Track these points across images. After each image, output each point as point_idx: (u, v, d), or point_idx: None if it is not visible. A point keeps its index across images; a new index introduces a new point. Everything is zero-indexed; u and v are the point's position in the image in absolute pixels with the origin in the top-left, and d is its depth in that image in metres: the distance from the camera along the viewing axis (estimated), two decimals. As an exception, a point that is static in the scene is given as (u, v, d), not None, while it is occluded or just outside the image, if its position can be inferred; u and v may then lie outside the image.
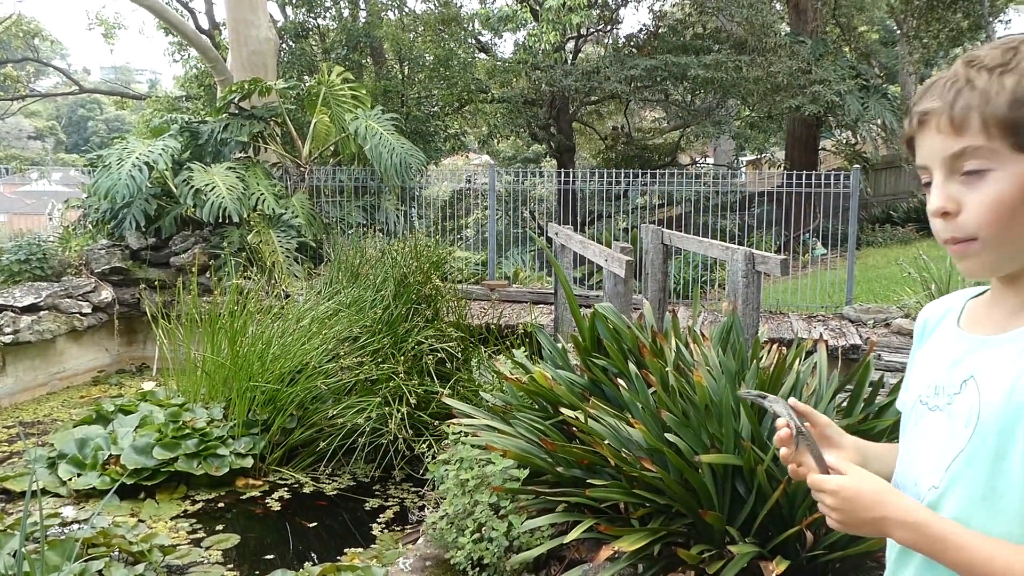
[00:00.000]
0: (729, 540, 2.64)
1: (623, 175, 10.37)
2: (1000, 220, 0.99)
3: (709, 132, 14.76)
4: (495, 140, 16.64)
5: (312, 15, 14.38)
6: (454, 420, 3.55)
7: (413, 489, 5.55)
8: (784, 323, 7.98)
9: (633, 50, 15.82)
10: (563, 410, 3.12)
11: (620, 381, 3.16)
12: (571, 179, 10.79)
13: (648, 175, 10.33)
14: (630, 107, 17.84)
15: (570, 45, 16.85)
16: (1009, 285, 1.05)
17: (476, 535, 3.00)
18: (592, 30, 16.55)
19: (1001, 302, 1.07)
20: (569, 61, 16.02)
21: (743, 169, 17.67)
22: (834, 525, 1.08)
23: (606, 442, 2.86)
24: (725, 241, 8.31)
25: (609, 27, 16.77)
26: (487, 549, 2.95)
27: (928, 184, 1.05)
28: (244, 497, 5.54)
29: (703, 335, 3.36)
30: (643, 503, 2.76)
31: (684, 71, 13.16)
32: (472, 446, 3.23)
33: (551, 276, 8.71)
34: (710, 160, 20.92)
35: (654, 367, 2.97)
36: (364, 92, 10.14)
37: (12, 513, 5.06)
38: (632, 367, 3.12)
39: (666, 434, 2.77)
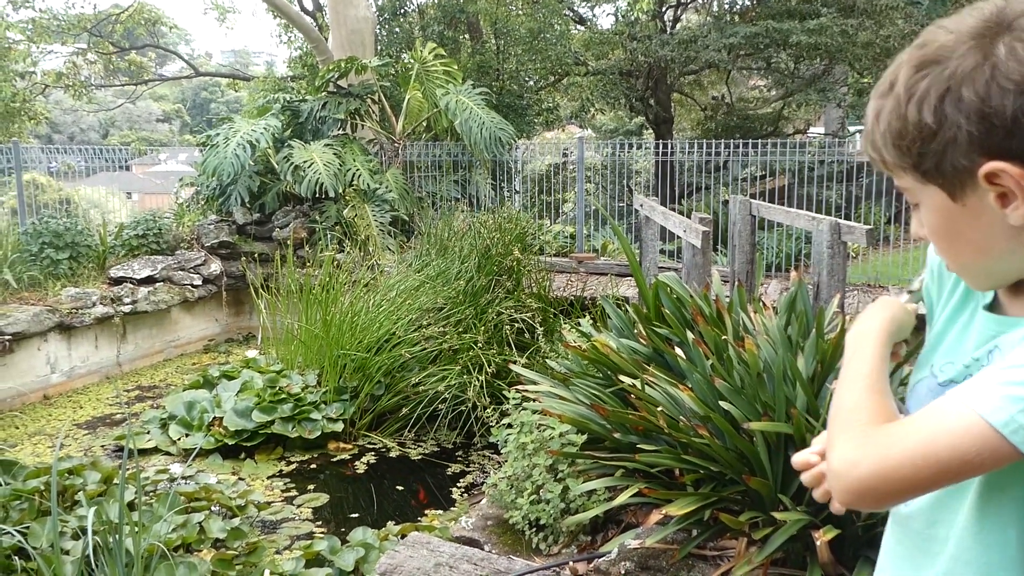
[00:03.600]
0: (782, 508, 2.63)
1: (723, 146, 10.14)
2: (942, 248, 0.97)
3: (814, 100, 14.18)
4: (590, 113, 16.51)
5: (410, -7, 14.63)
6: (519, 386, 3.64)
7: (492, 455, 5.69)
8: (881, 296, 7.68)
9: (734, 17, 15.35)
10: (622, 377, 3.15)
11: (679, 350, 3.17)
12: (669, 151, 10.63)
13: (749, 145, 10.07)
14: (731, 76, 17.34)
15: (669, 14, 16.50)
16: None
17: (533, 496, 3.08)
18: (692, -3, 16.17)
19: None
20: (667, 30, 15.70)
21: (853, 138, 16.92)
22: None
23: (660, 408, 2.88)
24: (832, 214, 8.05)
25: (710, -7, 16.34)
26: (543, 510, 3.03)
27: None
28: (335, 460, 5.81)
29: (766, 305, 3.31)
30: (695, 469, 2.77)
31: (786, 37, 12.68)
32: (532, 411, 3.31)
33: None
34: (818, 130, 20.13)
35: (708, 335, 2.96)
36: (456, 67, 10.27)
37: (129, 468, 5.51)
38: (690, 335, 3.12)
39: (720, 402, 2.77)
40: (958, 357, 1.02)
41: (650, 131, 17.88)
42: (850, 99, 15.59)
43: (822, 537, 2.41)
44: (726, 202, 13.25)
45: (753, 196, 10.78)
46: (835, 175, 13.50)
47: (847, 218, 8.00)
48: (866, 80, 15.39)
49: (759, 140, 11.77)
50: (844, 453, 0.88)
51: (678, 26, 16.44)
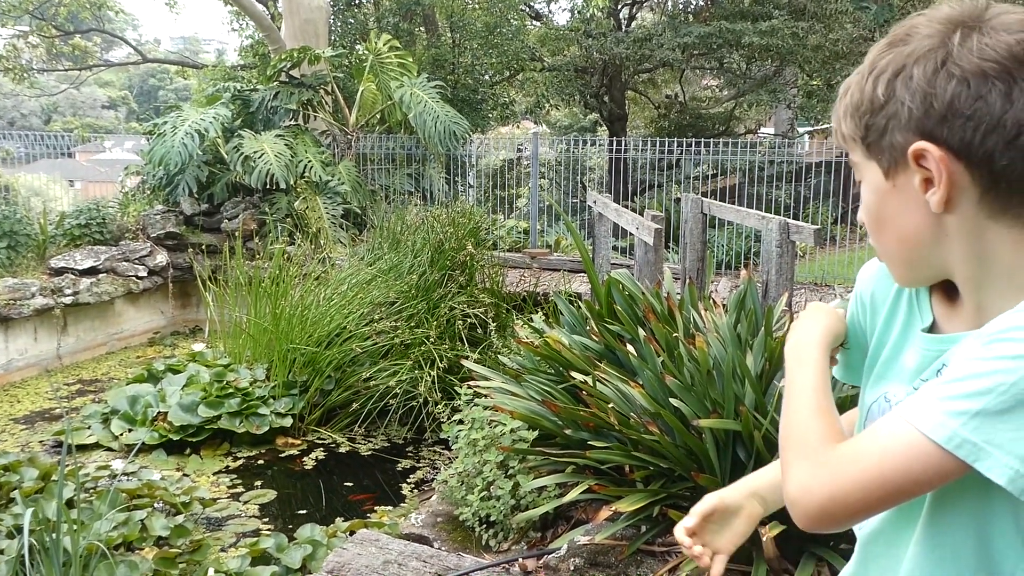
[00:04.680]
0: (729, 505, 2.66)
1: (676, 144, 10.23)
2: (871, 231, 0.96)
3: (765, 101, 14.41)
4: (545, 109, 16.54)
5: (365, -17, 14.47)
6: (471, 382, 3.62)
7: (443, 451, 5.66)
8: (828, 295, 7.84)
9: (688, 16, 15.50)
10: (573, 374, 3.16)
11: (631, 347, 3.18)
12: (623, 148, 10.69)
13: (701, 144, 10.18)
14: (684, 75, 17.52)
15: (624, 12, 16.60)
16: (969, 280, 0.93)
17: (484, 493, 3.07)
18: (647, -4, 16.28)
19: (966, 297, 0.95)
20: (622, 28, 15.79)
21: (802, 139, 17.24)
22: None
23: (611, 405, 2.89)
24: (780, 214, 8.16)
25: (665, -7, 16.47)
26: (494, 507, 3.02)
27: None
28: (283, 455, 5.73)
29: (716, 303, 3.34)
30: (645, 465, 2.79)
31: (739, 38, 12.85)
32: (484, 407, 3.29)
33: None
34: (768, 130, 20.46)
35: (660, 333, 2.98)
36: (410, 60, 10.19)
37: (68, 465, 5.36)
38: (642, 332, 3.13)
39: (670, 399, 2.79)
40: (908, 380, 1.01)
41: (604, 128, 17.98)
42: (800, 100, 15.87)
43: (768, 533, 2.44)
44: (678, 200, 13.39)
45: (705, 194, 10.90)
46: (784, 175, 13.72)
47: (795, 217, 8.14)
48: (815, 82, 15.67)
49: (711, 139, 11.91)
50: (798, 480, 0.88)
51: (633, 24, 16.55)
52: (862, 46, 13.14)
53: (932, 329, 1.00)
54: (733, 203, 8.74)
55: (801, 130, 17.91)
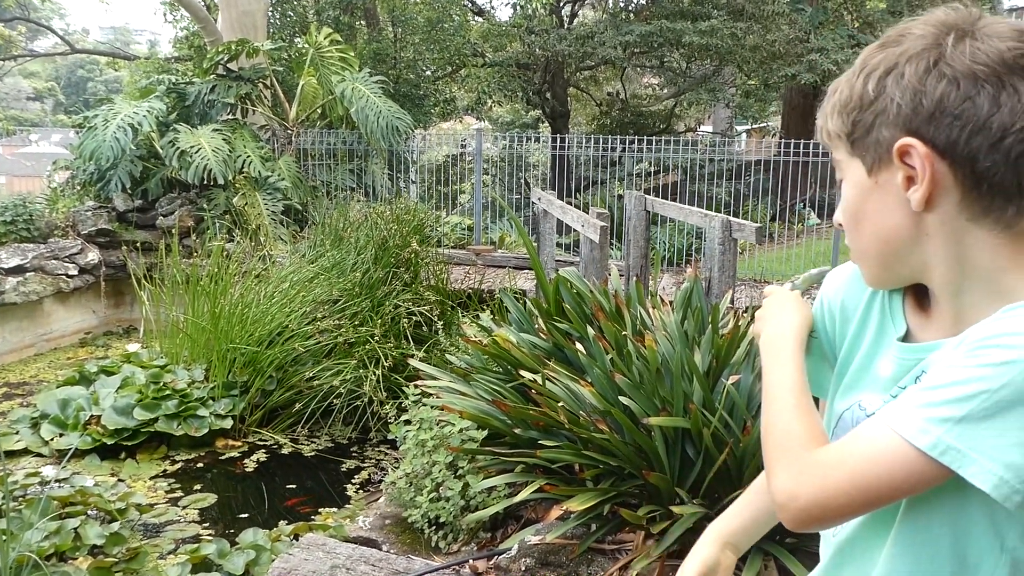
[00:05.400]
0: (679, 501, 2.68)
1: (617, 141, 10.30)
2: (849, 228, 0.97)
3: (704, 100, 14.64)
4: (487, 105, 16.52)
5: (305, -24, 14.22)
6: (419, 381, 3.58)
7: (388, 451, 5.60)
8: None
9: (630, 15, 15.64)
10: (522, 372, 3.14)
11: (579, 345, 3.18)
12: (565, 145, 10.73)
13: (643, 142, 10.27)
14: (626, 73, 17.67)
15: (567, 9, 16.66)
16: (946, 286, 0.92)
17: (433, 494, 3.04)
18: (589, -6, 16.37)
19: (941, 304, 0.95)
20: (565, 25, 15.85)
21: (740, 137, 17.57)
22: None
23: (561, 404, 2.88)
24: (719, 210, 8.29)
25: (606, -9, 16.59)
26: (443, 508, 2.99)
27: None
28: (223, 458, 5.59)
29: (663, 300, 3.37)
30: (595, 464, 2.79)
31: (679, 37, 13.02)
32: (432, 407, 3.26)
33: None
34: (707, 128, 20.80)
35: (609, 331, 2.98)
36: (352, 54, 10.04)
37: (-6, 471, 5.15)
38: (591, 331, 3.14)
39: (620, 397, 2.80)
40: (884, 388, 1.00)
41: (546, 125, 18.03)
42: (738, 99, 16.16)
43: (718, 529, 2.46)
44: (620, 197, 13.50)
45: (647, 191, 11.01)
46: (723, 173, 13.97)
47: (734, 215, 8.27)
48: (752, 82, 15.99)
49: (652, 137, 12.04)
50: (783, 485, 0.89)
51: (575, 22, 16.62)
52: (798, 47, 13.44)
53: (906, 338, 1.00)
54: (674, 200, 8.84)
55: (739, 129, 18.24)
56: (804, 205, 13.36)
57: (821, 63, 12.88)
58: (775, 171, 12.14)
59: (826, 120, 0.96)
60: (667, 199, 8.65)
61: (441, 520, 3.01)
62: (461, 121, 19.05)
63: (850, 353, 1.07)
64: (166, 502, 4.93)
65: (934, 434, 0.79)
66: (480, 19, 17.09)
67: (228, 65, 9.70)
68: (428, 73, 14.23)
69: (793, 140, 9.80)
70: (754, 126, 18.76)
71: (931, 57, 0.86)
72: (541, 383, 3.00)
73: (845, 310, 1.09)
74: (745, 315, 3.28)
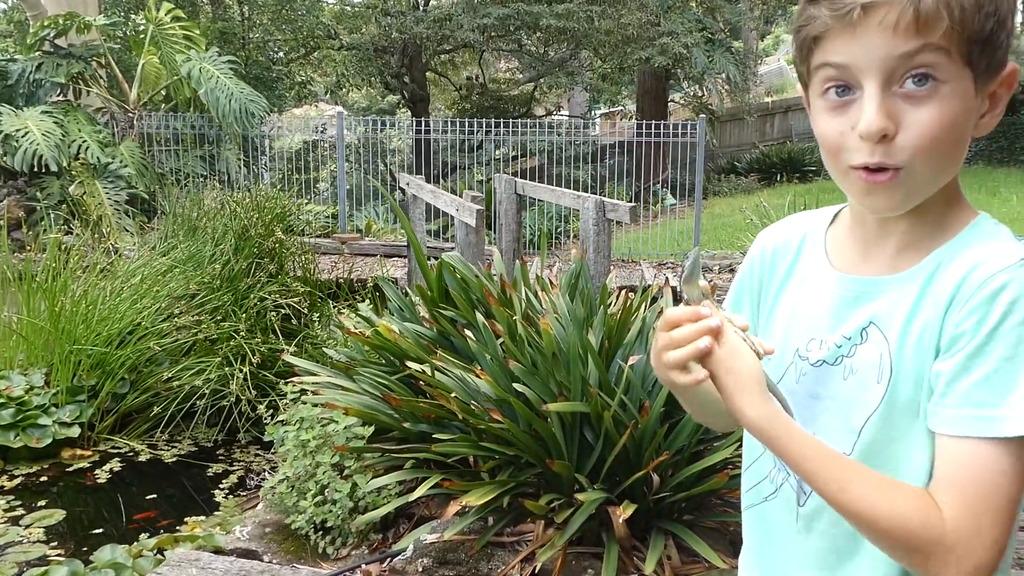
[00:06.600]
0: (579, 488, 2.61)
1: (479, 125, 10.22)
2: (939, 147, 0.85)
3: (562, 83, 14.82)
4: (345, 89, 16.05)
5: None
6: (295, 378, 3.36)
7: (259, 452, 5.30)
8: (635, 271, 8.16)
9: (486, -3, 15.55)
10: (409, 364, 2.99)
11: (468, 332, 3.06)
12: (427, 130, 10.54)
13: (503, 126, 10.23)
14: (484, 57, 17.62)
15: (423, -10, 16.39)
16: (900, 219, 0.91)
17: (319, 498, 2.84)
18: (444, -25, 16.16)
19: (884, 237, 0.93)
20: (421, 7, 15.58)
21: (596, 121, 17.91)
22: (723, 380, 0.89)
23: (453, 395, 2.75)
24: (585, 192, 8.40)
25: (461, -27, 16.41)
26: (330, 511, 2.81)
27: (840, 95, 0.87)
28: (71, 469, 5.12)
29: (552, 283, 3.30)
30: (492, 455, 2.68)
31: (536, 20, 13.07)
32: (313, 405, 3.05)
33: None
34: (565, 112, 21.10)
35: (501, 316, 2.88)
36: (197, 32, 9.43)
37: None
38: (480, 317, 3.02)
39: (514, 384, 2.70)
40: (821, 333, 0.97)
41: (405, 110, 17.73)
42: (594, 83, 16.45)
43: (622, 513, 2.42)
44: (482, 181, 13.45)
45: (512, 175, 11.02)
46: (583, 156, 14.19)
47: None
48: (607, 66, 16.31)
49: (513, 121, 12.05)
50: (960, 573, 0.82)
51: (431, 3, 16.38)
52: (649, 31, 13.78)
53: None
54: (539, 184, 8.87)
55: (596, 112, 18.59)
56: (662, 186, 13.77)
57: (672, 46, 13.27)
58: (631, 153, 12.44)
59: (956, 13, 0.81)
60: (530, 182, 8.66)
61: (328, 524, 2.83)
62: (316, 107, 18.44)
63: (775, 298, 1.06)
64: (5, 522, 4.45)
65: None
66: (333, 0, 16.55)
67: (56, 42, 8.88)
68: (280, 55, 13.63)
69: (649, 122, 10.04)
70: (611, 109, 19.19)
71: None
72: (430, 374, 2.86)
73: (776, 258, 1.07)
74: (631, 295, 3.26)
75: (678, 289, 1.06)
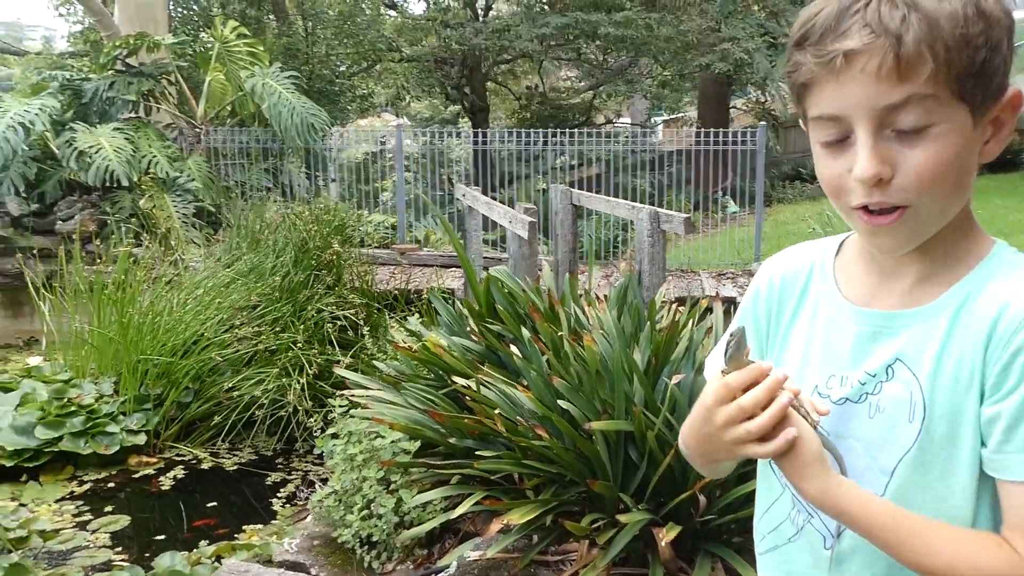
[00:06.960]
0: (622, 507, 2.58)
1: (539, 135, 10.22)
2: (940, 184, 0.82)
3: (622, 91, 14.72)
4: (406, 101, 16.26)
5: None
6: (346, 391, 3.40)
7: (316, 462, 5.38)
8: (695, 281, 8.03)
9: (544, 7, 15.58)
10: (455, 378, 3.00)
11: (514, 347, 3.05)
12: (486, 140, 10.59)
13: (564, 135, 10.21)
14: (544, 66, 17.65)
15: (481, 2, 16.51)
16: (913, 252, 0.88)
17: (365, 512, 2.87)
18: (504, -14, 16.26)
19: (900, 270, 0.90)
20: (480, 18, 15.70)
21: (657, 128, 17.77)
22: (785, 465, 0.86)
23: (497, 411, 2.75)
24: (644, 202, 8.30)
25: (521, -17, 16.50)
26: (376, 526, 2.82)
27: (836, 141, 0.85)
28: (137, 476, 5.28)
29: (599, 298, 3.27)
30: (536, 473, 2.67)
31: (595, 29, 13.03)
32: (362, 418, 3.08)
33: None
34: (626, 120, 20.97)
35: (545, 332, 2.86)
36: (262, 49, 9.67)
37: None
38: (526, 332, 3.01)
39: (559, 401, 2.68)
40: (841, 369, 0.94)
41: (466, 120, 17.86)
42: (655, 90, 16.30)
43: (665, 536, 2.37)
44: (542, 191, 13.44)
45: (570, 185, 10.99)
46: (644, 164, 14.07)
47: (658, 205, 8.27)
48: (667, 73, 16.15)
49: (572, 129, 12.01)
50: None
51: (490, 15, 16.49)
52: (710, 37, 13.60)
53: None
54: (598, 193, 8.83)
55: (657, 120, 18.44)
56: (724, 194, 13.54)
57: (733, 52, 13.07)
58: (692, 161, 12.27)
59: (941, 52, 0.79)
60: (591, 192, 8.63)
61: (374, 539, 2.85)
62: (379, 117, 18.72)
63: (789, 331, 1.02)
64: (73, 526, 4.61)
65: None
66: (393, 12, 16.79)
67: (127, 61, 9.22)
68: (343, 68, 13.88)
69: (712, 130, 9.90)
70: (671, 116, 19.01)
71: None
72: (475, 389, 2.86)
73: (785, 287, 1.04)
74: (681, 309, 3.21)
75: (723, 367, 0.97)
